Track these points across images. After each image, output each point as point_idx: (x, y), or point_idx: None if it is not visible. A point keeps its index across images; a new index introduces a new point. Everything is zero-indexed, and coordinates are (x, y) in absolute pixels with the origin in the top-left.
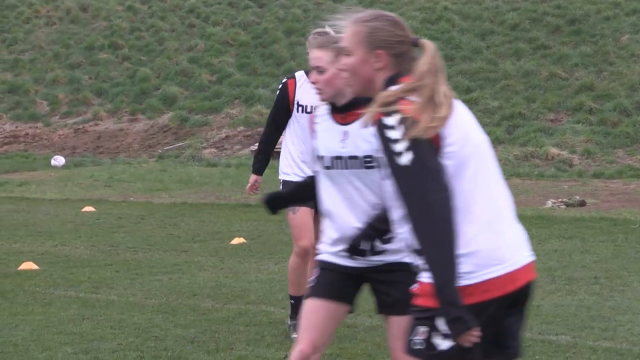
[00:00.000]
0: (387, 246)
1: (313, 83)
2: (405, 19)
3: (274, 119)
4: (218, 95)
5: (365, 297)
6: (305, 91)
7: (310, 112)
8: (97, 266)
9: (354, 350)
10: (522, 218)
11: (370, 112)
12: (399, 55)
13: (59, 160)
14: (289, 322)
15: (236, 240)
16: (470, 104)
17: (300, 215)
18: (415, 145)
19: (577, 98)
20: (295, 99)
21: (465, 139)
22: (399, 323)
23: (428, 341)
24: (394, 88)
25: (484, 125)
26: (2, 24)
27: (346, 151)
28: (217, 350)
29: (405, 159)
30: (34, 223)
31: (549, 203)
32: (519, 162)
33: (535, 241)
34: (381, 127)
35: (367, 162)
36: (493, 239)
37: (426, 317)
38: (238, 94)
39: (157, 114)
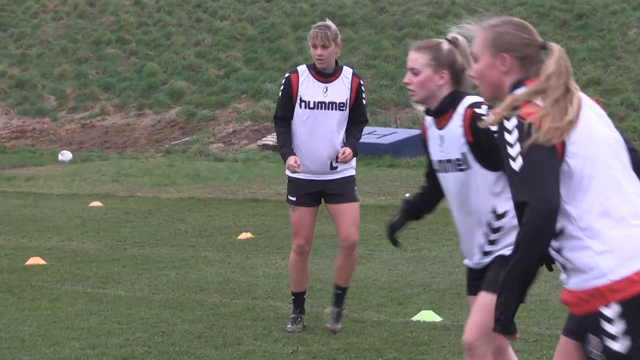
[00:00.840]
0: (492, 247)
1: (407, 84)
2: (412, 14)
3: (283, 115)
4: (225, 90)
5: (373, 292)
6: (307, 86)
7: (313, 108)
8: (105, 261)
9: (361, 345)
10: None
11: (494, 113)
12: (524, 57)
13: (66, 155)
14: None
15: (243, 235)
16: None
17: (299, 213)
18: (529, 151)
19: (585, 92)
20: (298, 94)
21: (590, 138)
22: (479, 298)
23: (604, 347)
24: (520, 91)
25: None
26: (10, 18)
27: (444, 155)
28: (224, 346)
29: (517, 164)
30: (41, 218)
31: None
32: None
33: None
34: (501, 129)
35: (459, 165)
36: (632, 233)
37: (591, 324)
38: (245, 88)
39: (164, 109)
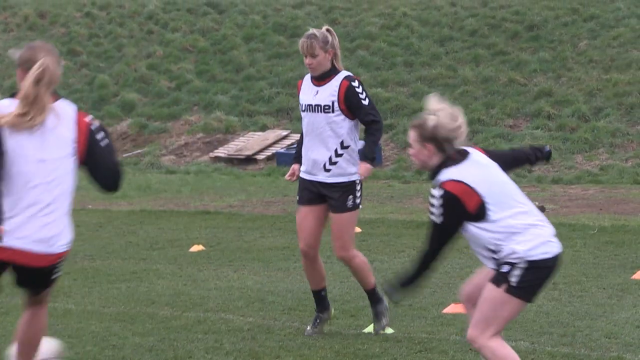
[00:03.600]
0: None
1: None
2: (364, 25)
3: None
4: (177, 102)
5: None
6: (304, 90)
7: (305, 111)
8: None
9: (313, 358)
10: None
11: None
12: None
13: None
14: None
15: (195, 248)
16: None
17: (300, 213)
18: None
19: (536, 104)
20: (300, 97)
21: None
22: None
23: None
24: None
25: None
26: None
27: None
28: (175, 359)
29: None
30: None
31: None
32: None
33: None
34: None
35: None
36: None
37: None
38: (197, 100)
39: (115, 121)
